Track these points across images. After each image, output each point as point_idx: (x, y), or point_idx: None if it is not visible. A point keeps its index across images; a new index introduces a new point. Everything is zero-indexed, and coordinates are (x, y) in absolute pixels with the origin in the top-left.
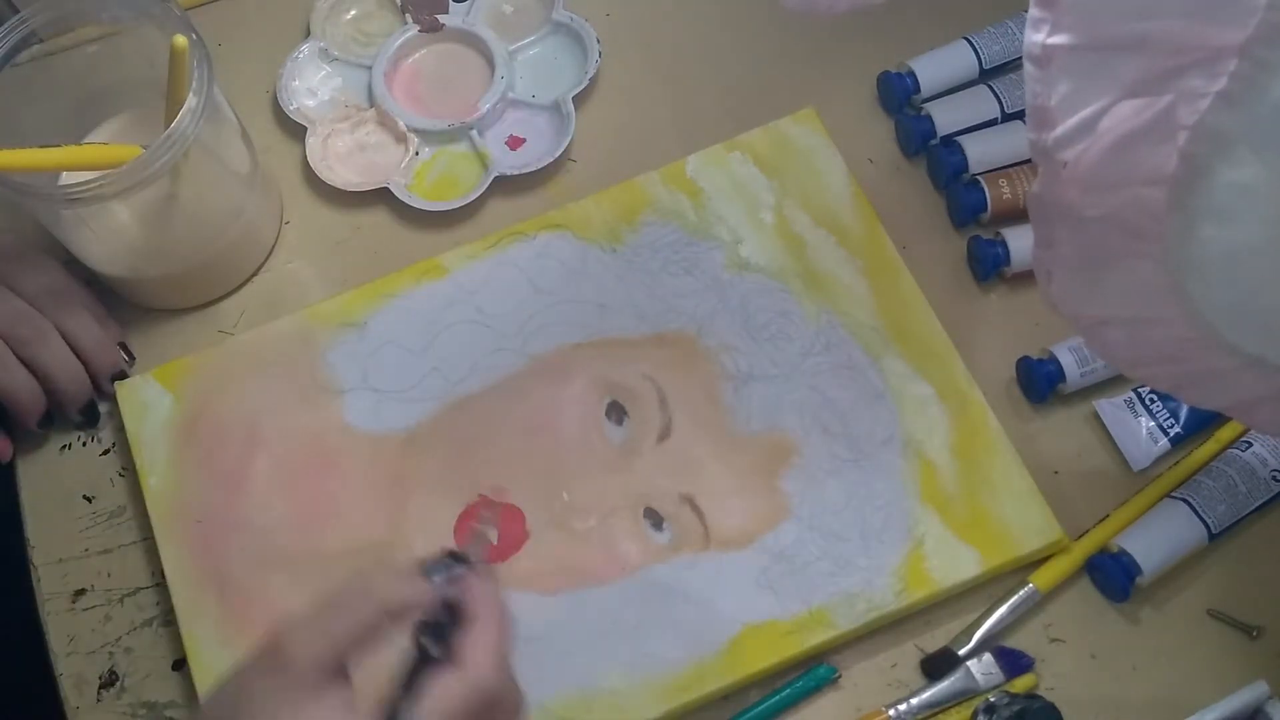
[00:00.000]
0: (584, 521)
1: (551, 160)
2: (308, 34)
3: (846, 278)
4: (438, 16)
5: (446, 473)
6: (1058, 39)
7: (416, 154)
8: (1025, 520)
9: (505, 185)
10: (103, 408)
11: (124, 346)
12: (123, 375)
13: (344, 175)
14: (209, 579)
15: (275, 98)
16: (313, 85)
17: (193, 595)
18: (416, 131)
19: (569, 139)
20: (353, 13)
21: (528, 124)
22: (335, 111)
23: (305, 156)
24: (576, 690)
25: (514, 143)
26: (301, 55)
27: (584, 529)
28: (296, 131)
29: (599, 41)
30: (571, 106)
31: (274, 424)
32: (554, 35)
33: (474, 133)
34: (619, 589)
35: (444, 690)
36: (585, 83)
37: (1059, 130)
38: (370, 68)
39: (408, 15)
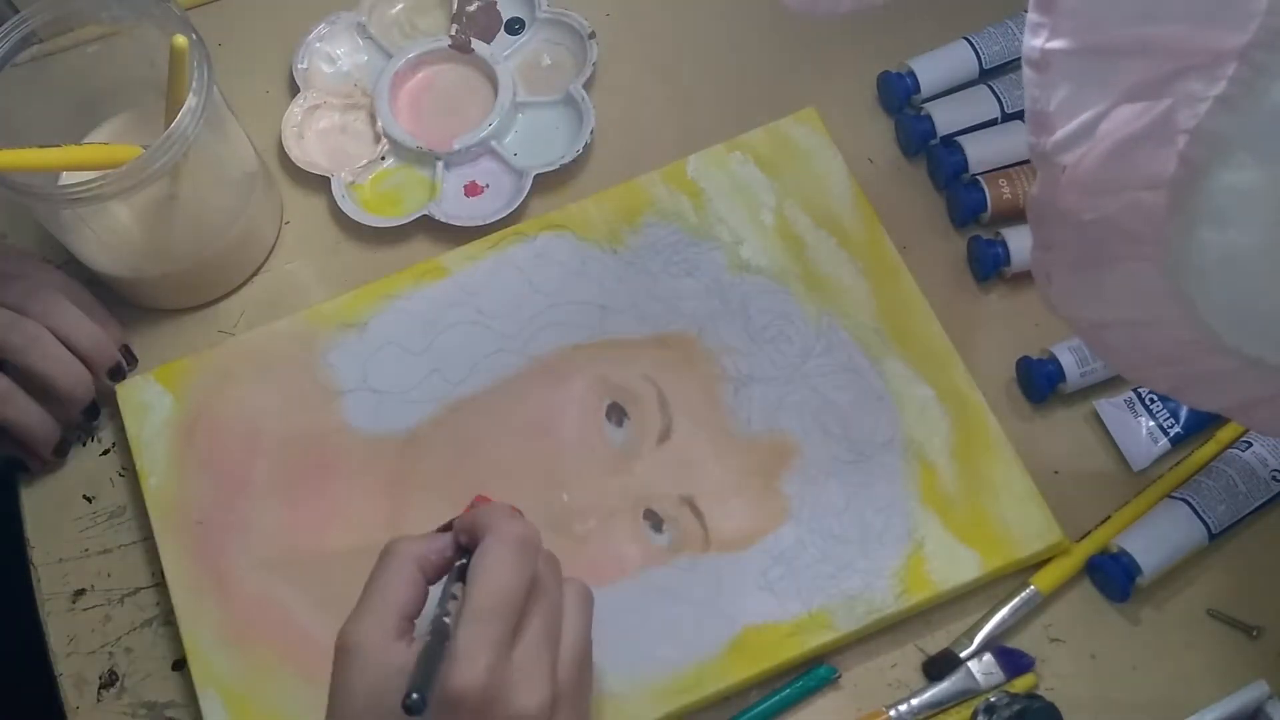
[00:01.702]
0: (584, 523)
1: (494, 220)
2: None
3: (847, 279)
4: (473, 40)
5: (446, 474)
6: (1056, 43)
7: (383, 159)
8: (1025, 522)
9: (437, 226)
10: (106, 407)
11: (127, 349)
12: (122, 372)
13: (310, 152)
14: (209, 579)
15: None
16: (334, 53)
17: (192, 596)
18: (390, 139)
19: (521, 200)
20: (411, 0)
21: (496, 176)
22: (339, 85)
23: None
24: None
25: (472, 189)
26: (338, 21)
27: (584, 531)
28: None
29: (593, 126)
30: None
31: (274, 425)
32: (564, 106)
33: (440, 164)
34: (619, 591)
35: (482, 568)
36: (568, 160)
37: (1058, 134)
38: (392, 57)
39: (455, 26)
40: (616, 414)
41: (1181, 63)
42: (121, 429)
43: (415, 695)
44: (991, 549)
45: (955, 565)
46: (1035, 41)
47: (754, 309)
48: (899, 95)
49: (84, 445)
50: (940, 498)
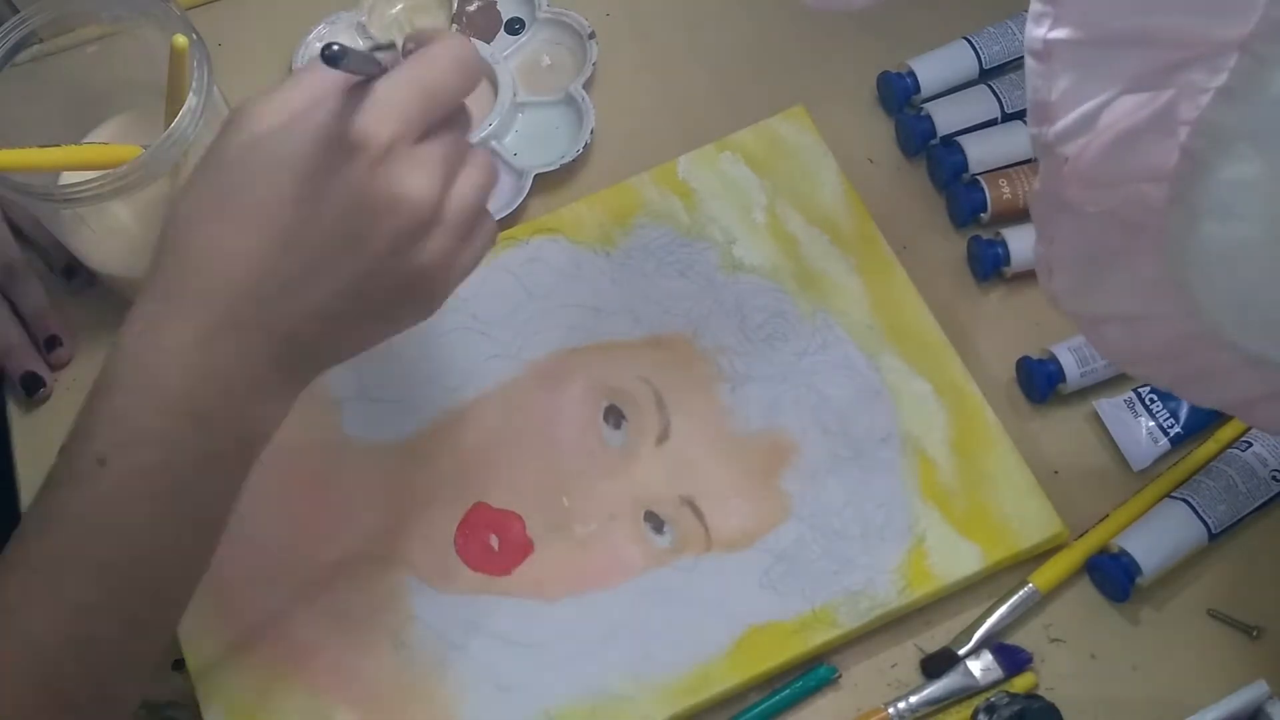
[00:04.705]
0: (584, 526)
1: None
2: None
3: (840, 276)
4: (473, 40)
5: (445, 481)
6: (1059, 33)
7: None
8: (1025, 514)
9: None
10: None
11: (56, 340)
12: (58, 346)
13: None
14: (207, 588)
15: None
16: None
17: (192, 606)
18: None
19: (521, 200)
20: (411, 0)
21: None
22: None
23: None
24: (581, 696)
25: None
26: (338, 21)
27: (585, 534)
28: None
29: (593, 126)
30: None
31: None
32: (564, 106)
33: None
34: (621, 593)
35: (428, 52)
36: (568, 160)
37: (1060, 125)
38: None
39: (455, 26)
40: (614, 416)
41: (1184, 53)
42: None
43: (336, 47)
44: (993, 542)
45: (957, 559)
46: (1038, 31)
47: (748, 308)
48: (899, 95)
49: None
50: (940, 492)
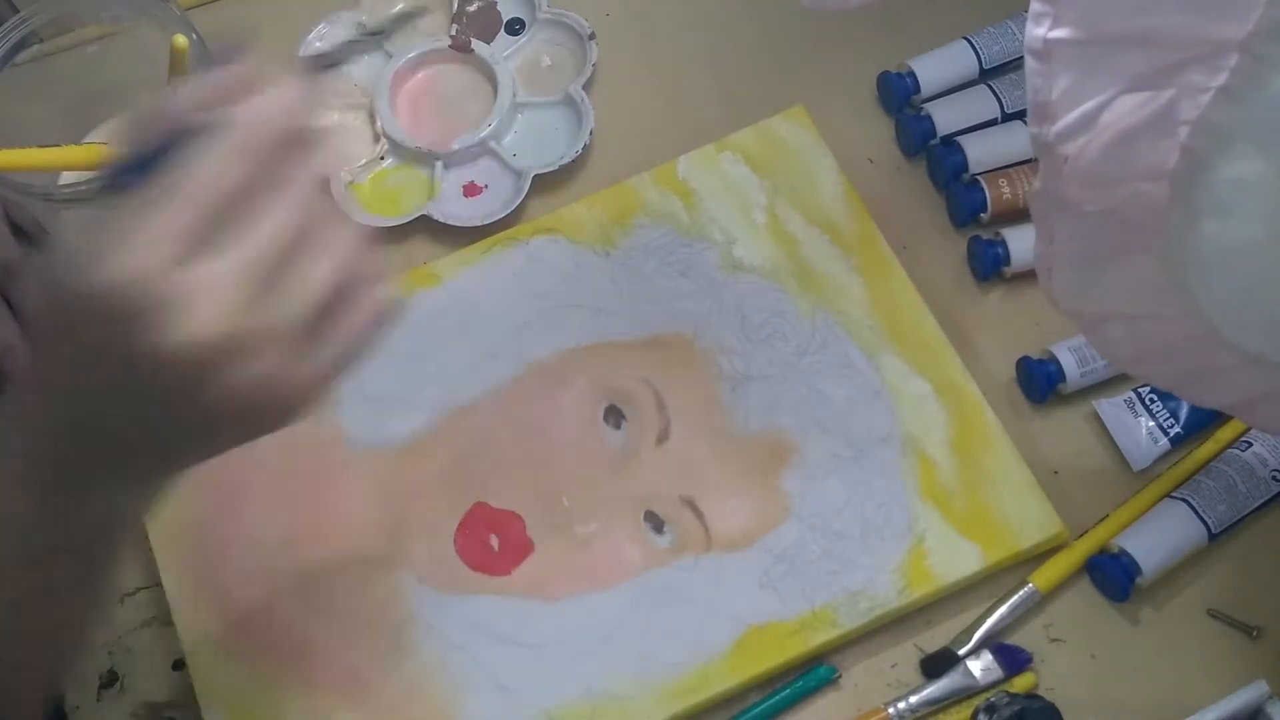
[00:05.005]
0: (585, 526)
1: (493, 220)
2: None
3: (840, 276)
4: (473, 40)
5: (445, 481)
6: (1059, 33)
7: (382, 159)
8: (1025, 514)
9: (435, 226)
10: None
11: None
12: None
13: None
14: (207, 590)
15: None
16: None
17: (191, 605)
18: (389, 138)
19: (520, 201)
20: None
21: (495, 177)
22: (338, 85)
23: None
24: (581, 696)
25: (471, 190)
26: (338, 21)
27: (585, 534)
28: None
29: (592, 127)
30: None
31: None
32: (564, 106)
33: (439, 164)
34: (621, 593)
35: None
36: (567, 160)
37: (1060, 124)
38: (392, 57)
39: (455, 26)
40: (614, 416)
41: (1184, 53)
42: None
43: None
44: (992, 541)
45: (957, 558)
46: (1038, 30)
47: (748, 308)
48: (899, 95)
49: None
50: (940, 492)
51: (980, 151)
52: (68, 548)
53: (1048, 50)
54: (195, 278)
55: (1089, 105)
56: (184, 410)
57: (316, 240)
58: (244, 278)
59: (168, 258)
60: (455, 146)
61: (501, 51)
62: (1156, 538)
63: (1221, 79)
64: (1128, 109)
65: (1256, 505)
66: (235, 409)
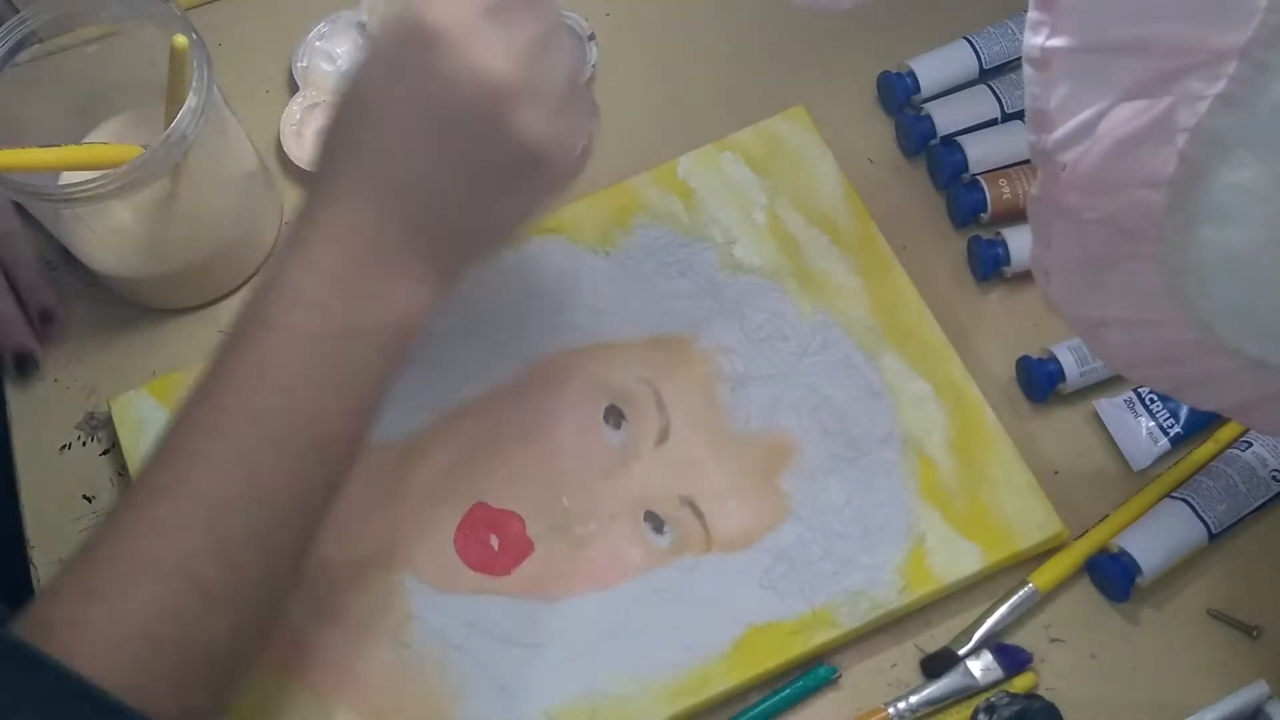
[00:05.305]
0: (585, 527)
1: None
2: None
3: (840, 276)
4: None
5: (444, 481)
6: (1057, 41)
7: None
8: (1025, 514)
9: None
10: (100, 413)
11: (50, 312)
12: (52, 318)
13: (310, 150)
14: None
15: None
16: (335, 52)
17: None
18: None
19: None
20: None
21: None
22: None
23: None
24: (581, 697)
25: None
26: (338, 21)
27: (585, 534)
28: None
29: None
30: None
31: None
32: None
33: None
34: (621, 594)
35: None
36: None
37: (1058, 133)
38: None
39: None
40: (614, 416)
41: (1182, 61)
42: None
43: None
44: (992, 541)
45: (957, 559)
46: (1036, 39)
47: (748, 308)
48: (899, 95)
49: (84, 445)
50: (940, 492)
51: (980, 151)
52: (370, 328)
53: (1045, 59)
54: (493, 30)
55: (1087, 113)
56: (487, 152)
57: (561, 36)
58: (524, 43)
59: (475, 9)
60: None
61: None
62: (1156, 538)
63: (1220, 86)
64: (1126, 117)
65: (1256, 505)
66: (525, 157)
